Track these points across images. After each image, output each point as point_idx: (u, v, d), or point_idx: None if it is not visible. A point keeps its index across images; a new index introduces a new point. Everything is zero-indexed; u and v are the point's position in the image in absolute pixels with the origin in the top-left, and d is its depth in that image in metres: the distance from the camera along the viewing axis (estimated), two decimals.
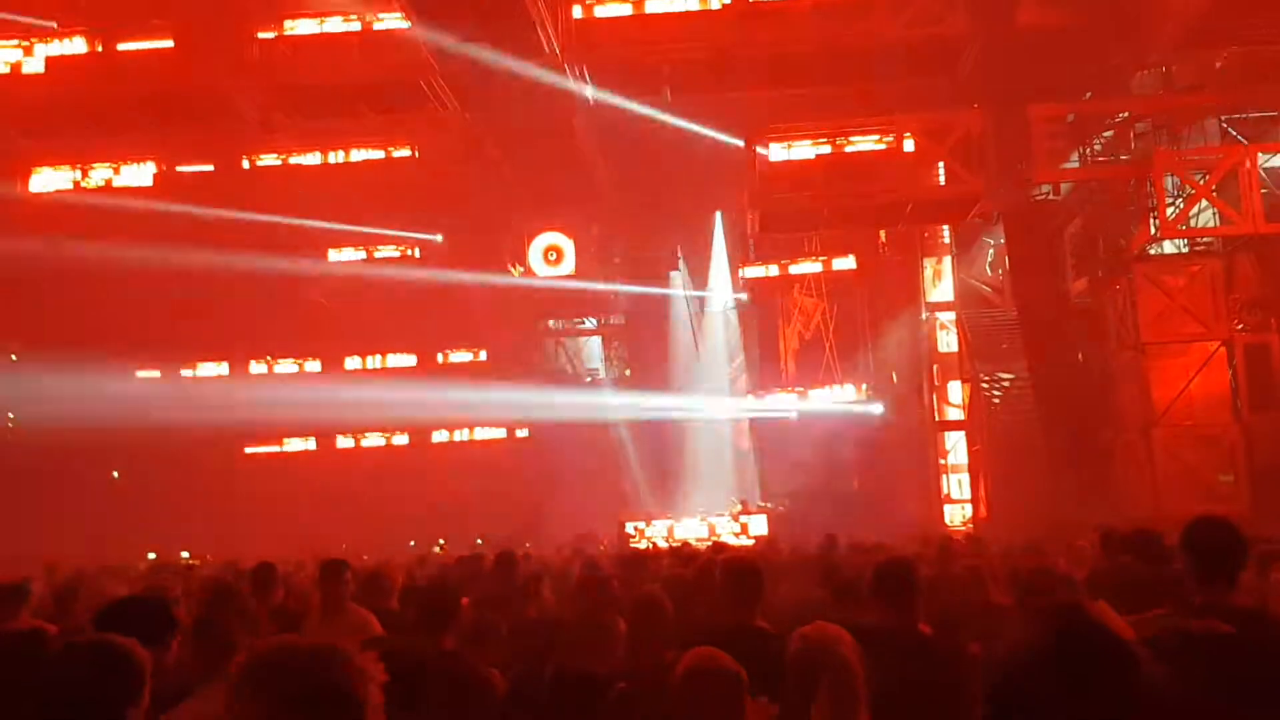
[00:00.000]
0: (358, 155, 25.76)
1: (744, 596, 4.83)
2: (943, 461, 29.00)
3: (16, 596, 6.67)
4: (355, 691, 2.11)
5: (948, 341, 29.39)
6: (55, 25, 23.25)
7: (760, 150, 23.03)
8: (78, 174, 26.70)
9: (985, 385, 26.83)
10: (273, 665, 2.16)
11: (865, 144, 23.25)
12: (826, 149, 23.02)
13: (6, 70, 23.77)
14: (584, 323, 32.62)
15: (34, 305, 27.15)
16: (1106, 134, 24.13)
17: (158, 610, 3.76)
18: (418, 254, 29.22)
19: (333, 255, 29.74)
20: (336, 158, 25.80)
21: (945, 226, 28.18)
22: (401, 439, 31.50)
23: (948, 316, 29.39)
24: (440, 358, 31.51)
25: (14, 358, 30.59)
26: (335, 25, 22.70)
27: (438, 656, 4.76)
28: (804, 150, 23.10)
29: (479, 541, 19.53)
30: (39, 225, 25.67)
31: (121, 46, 23.38)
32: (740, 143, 23.51)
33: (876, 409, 28.77)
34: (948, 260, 29.32)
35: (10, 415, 29.92)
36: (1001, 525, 21.30)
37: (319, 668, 2.16)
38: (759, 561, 5.42)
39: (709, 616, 5.11)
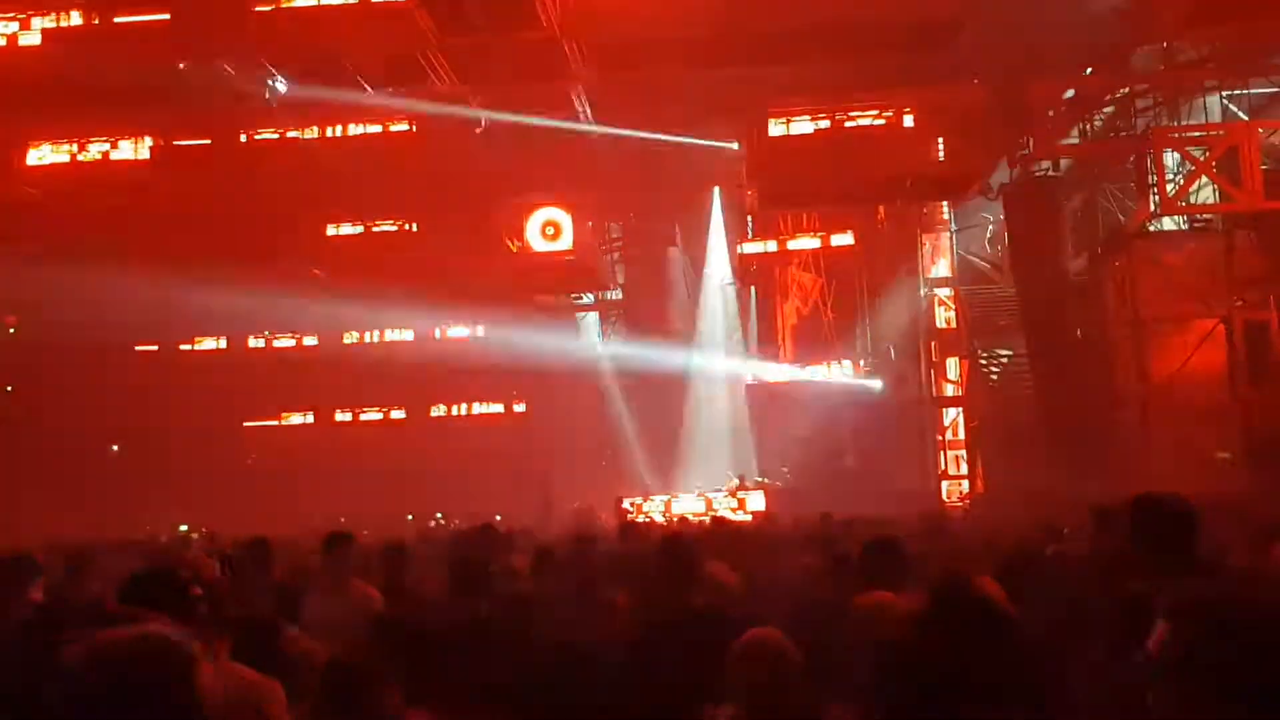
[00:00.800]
0: (355, 130, 25.65)
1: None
2: (940, 437, 29.06)
3: (28, 571, 6.64)
4: (177, 683, 2.07)
5: (946, 318, 29.39)
6: None
7: (759, 126, 22.98)
8: (74, 148, 26.59)
9: (983, 361, 26.88)
10: (94, 657, 2.10)
11: (865, 120, 23.19)
12: (826, 125, 22.96)
13: (2, 43, 23.63)
14: (581, 298, 32.57)
15: (31, 279, 27.08)
16: (1107, 110, 24.08)
17: (179, 583, 3.72)
18: (415, 228, 29.16)
19: (330, 229, 29.66)
20: (334, 132, 25.68)
21: (944, 202, 28.14)
22: (399, 413, 31.54)
23: (946, 293, 29.39)
24: (438, 333, 31.53)
25: (12, 330, 30.62)
26: None
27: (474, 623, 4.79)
28: (803, 126, 23.05)
29: (498, 518, 19.59)
30: (36, 199, 25.61)
31: (118, 19, 23.22)
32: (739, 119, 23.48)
33: (875, 384, 28.78)
34: (946, 236, 29.29)
35: (9, 387, 29.95)
36: (998, 501, 21.38)
37: (140, 659, 2.11)
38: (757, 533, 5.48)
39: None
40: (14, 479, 24.71)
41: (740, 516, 22.93)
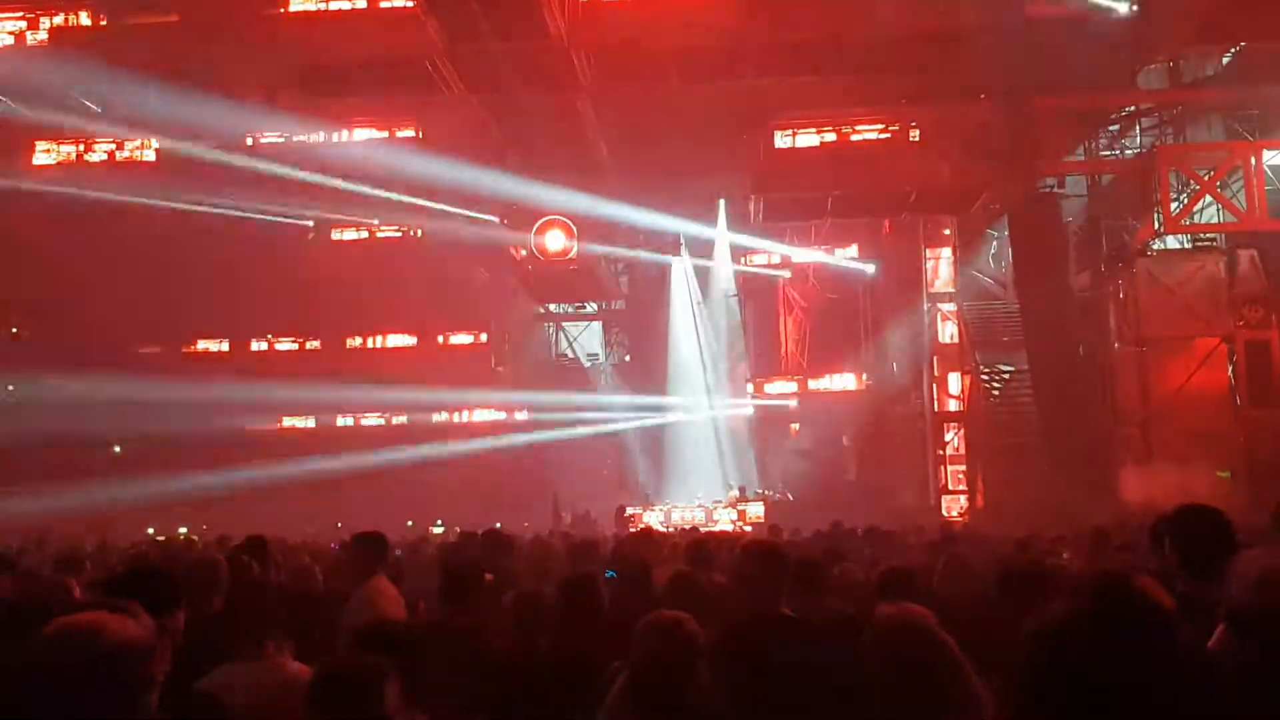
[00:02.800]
0: (361, 134, 25.70)
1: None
2: (941, 452, 29.01)
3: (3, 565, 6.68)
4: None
5: (948, 333, 29.35)
6: None
7: (765, 139, 23.02)
8: (80, 148, 26.65)
9: (985, 377, 26.82)
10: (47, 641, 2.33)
11: (871, 134, 23.24)
12: (832, 138, 23.01)
13: (10, 41, 23.70)
14: (585, 307, 32.60)
15: (37, 280, 27.13)
16: (1112, 128, 24.10)
17: (163, 579, 3.81)
18: (420, 235, 29.22)
19: (335, 234, 29.74)
20: (340, 136, 25.74)
21: (949, 218, 28.16)
22: (401, 419, 31.52)
23: (949, 308, 29.36)
24: (440, 339, 31.56)
25: (14, 330, 30.64)
26: (341, 3, 22.61)
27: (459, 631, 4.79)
28: (809, 139, 23.10)
29: (498, 525, 19.56)
30: (42, 200, 25.65)
31: (127, 19, 23.29)
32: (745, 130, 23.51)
33: (877, 403, 28.74)
34: (950, 252, 29.28)
35: (9, 387, 29.93)
36: (998, 517, 21.32)
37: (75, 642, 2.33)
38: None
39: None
40: (15, 479, 24.68)
41: (741, 527, 22.90)
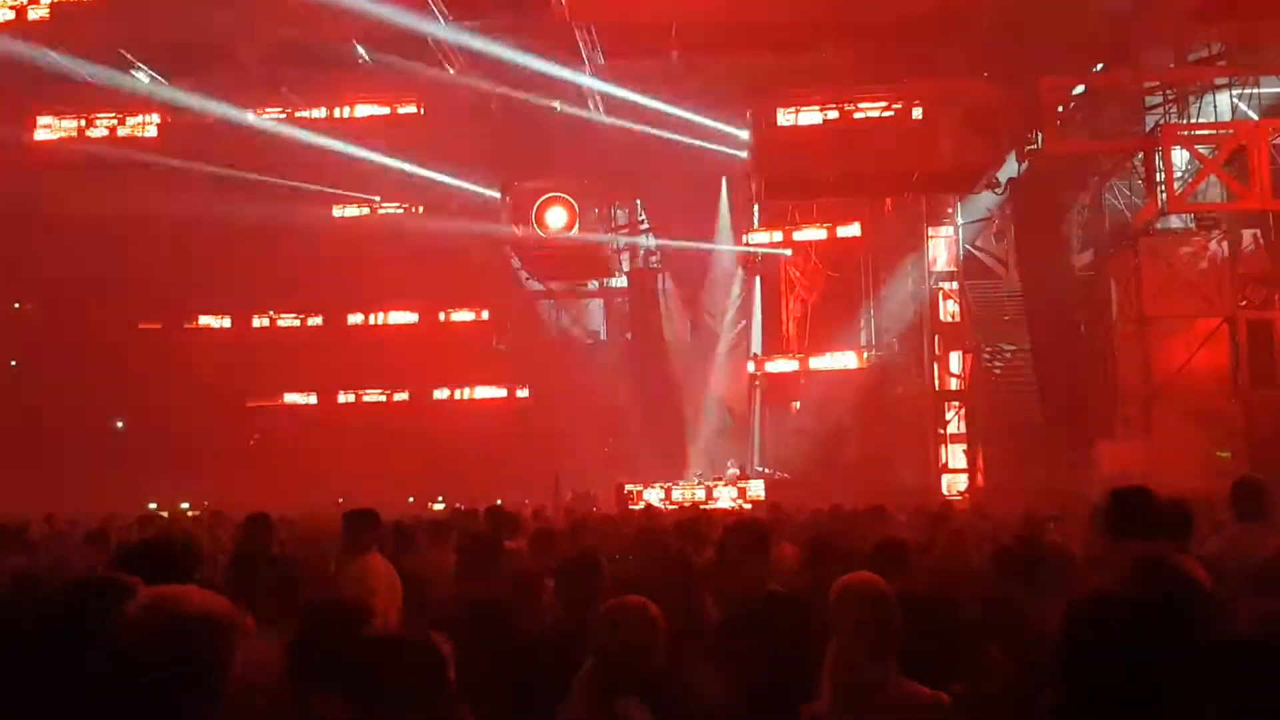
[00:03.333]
0: (363, 111, 25.62)
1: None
2: (942, 431, 29.03)
3: (13, 539, 6.74)
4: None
5: (950, 311, 29.33)
6: None
7: (768, 116, 22.94)
8: (82, 123, 26.59)
9: (986, 356, 26.83)
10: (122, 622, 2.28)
11: (873, 111, 23.14)
12: (834, 115, 22.91)
13: (11, 17, 23.59)
14: (586, 285, 32.57)
15: (39, 255, 27.13)
16: (1116, 106, 23.99)
17: (181, 548, 3.80)
18: (421, 211, 29.18)
19: (336, 211, 29.69)
20: (341, 113, 25.66)
21: (951, 196, 28.09)
22: (402, 395, 31.56)
23: (951, 286, 29.33)
24: (442, 316, 31.56)
25: (16, 305, 30.67)
26: None
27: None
28: (811, 116, 23.00)
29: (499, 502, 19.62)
30: (43, 174, 25.62)
31: None
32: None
33: (877, 382, 28.72)
34: (952, 230, 29.22)
35: (13, 362, 30.00)
36: (998, 496, 21.35)
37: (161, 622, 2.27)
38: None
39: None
40: (17, 454, 24.76)
41: (742, 505, 22.95)
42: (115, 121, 26.59)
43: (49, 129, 26.62)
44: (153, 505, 23.90)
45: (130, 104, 25.84)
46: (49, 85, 24.69)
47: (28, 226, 25.96)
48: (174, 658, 2.24)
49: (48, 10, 23.34)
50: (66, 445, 26.68)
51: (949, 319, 29.21)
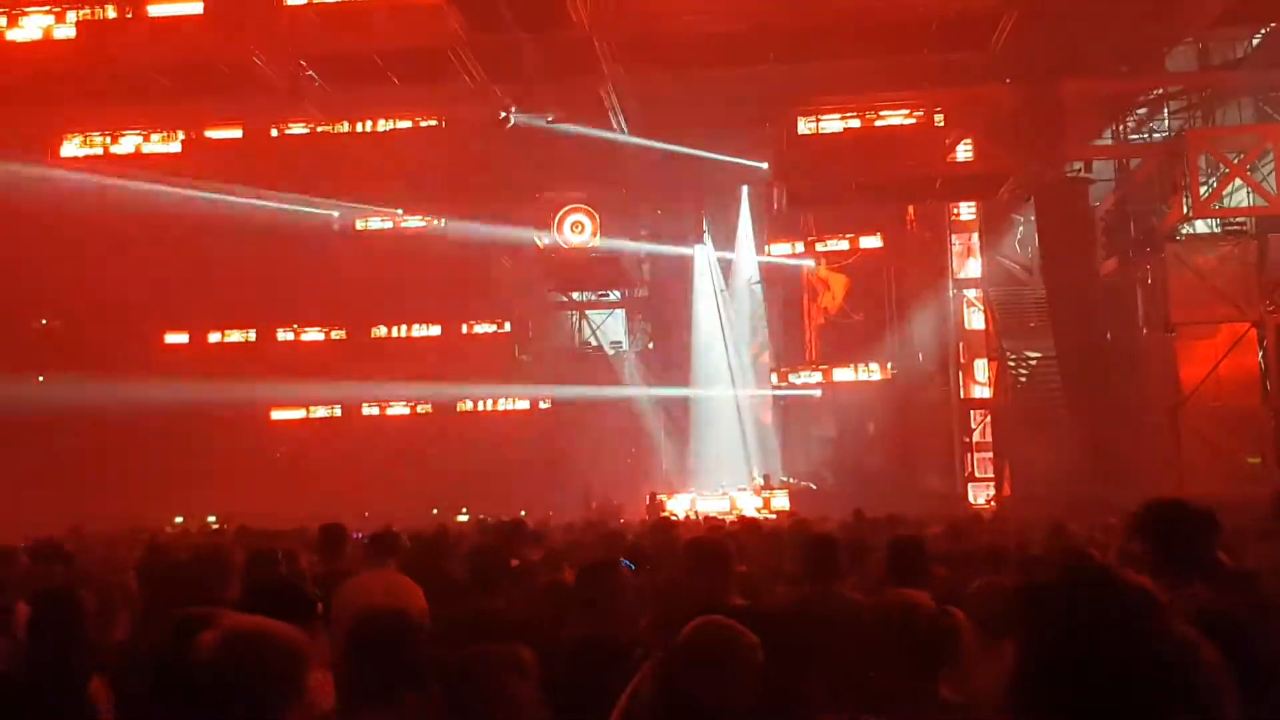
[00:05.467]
0: (385, 125, 25.74)
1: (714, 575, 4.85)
2: (967, 439, 28.88)
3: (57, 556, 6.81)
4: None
5: (975, 319, 29.19)
6: None
7: (788, 124, 22.91)
8: (107, 140, 26.83)
9: (1012, 363, 26.67)
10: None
11: (895, 119, 23.09)
12: (856, 123, 22.86)
13: (39, 36, 23.84)
14: (608, 295, 32.57)
15: (63, 271, 27.34)
16: (1140, 111, 23.86)
17: (298, 593, 3.93)
18: (443, 224, 29.27)
19: (359, 224, 29.83)
20: (364, 127, 25.79)
21: (974, 203, 27.98)
22: (426, 407, 31.61)
23: (975, 294, 29.19)
24: (464, 328, 31.61)
25: (44, 321, 30.92)
26: None
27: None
28: (833, 125, 22.97)
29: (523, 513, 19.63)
30: (69, 190, 25.84)
31: (152, 11, 23.38)
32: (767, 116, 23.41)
33: (902, 391, 28.58)
34: (976, 237, 29.08)
35: (39, 377, 30.21)
36: (1024, 504, 21.21)
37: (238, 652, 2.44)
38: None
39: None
40: (44, 468, 24.94)
41: (766, 516, 22.87)
42: (140, 138, 26.81)
43: (75, 145, 26.87)
44: (179, 519, 24.07)
45: (154, 120, 26.04)
46: (75, 103, 24.93)
47: (53, 243, 26.17)
48: (254, 686, 2.39)
49: (74, 29, 23.58)
50: (92, 459, 26.85)
51: (974, 327, 29.06)
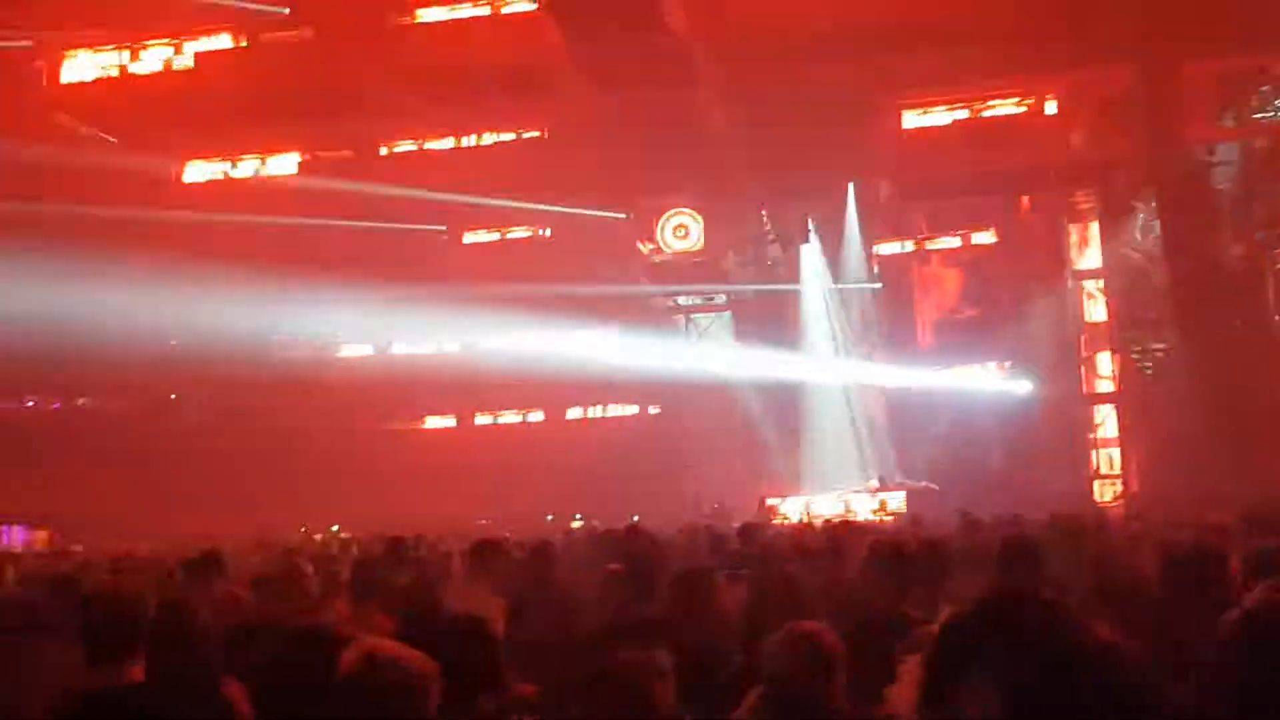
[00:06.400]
0: (489, 138, 26.13)
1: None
2: (1092, 435, 28.02)
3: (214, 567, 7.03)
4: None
5: (1096, 311, 28.31)
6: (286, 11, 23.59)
7: (894, 118, 22.58)
8: (228, 165, 27.82)
9: (1136, 356, 25.84)
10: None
11: (1004, 108, 22.60)
12: (964, 115, 22.44)
13: (159, 68, 24.86)
14: (714, 298, 32.44)
15: (191, 292, 28.31)
16: (1263, 89, 22.88)
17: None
18: (549, 234, 29.53)
19: (467, 238, 30.27)
20: (469, 141, 26.22)
21: (1092, 191, 27.16)
22: (537, 415, 31.91)
23: (1095, 285, 28.31)
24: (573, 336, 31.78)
25: (174, 343, 32.07)
26: (465, 10, 23.02)
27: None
28: (939, 117, 22.59)
29: (635, 518, 19.65)
30: (192, 213, 26.80)
31: (264, 39, 24.18)
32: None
33: (1022, 387, 27.84)
34: (1095, 226, 28.20)
35: (172, 395, 31.39)
36: (1155, 502, 20.47)
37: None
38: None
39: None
40: (175, 483, 25.84)
41: (882, 518, 22.50)
42: (258, 161, 27.74)
43: (197, 170, 27.93)
44: (304, 528, 24.71)
45: (271, 143, 26.88)
46: (195, 129, 25.89)
47: (178, 265, 27.13)
48: (390, 709, 2.61)
49: (192, 59, 24.53)
50: (220, 472, 27.72)
51: (1095, 319, 28.19)
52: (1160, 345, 25.12)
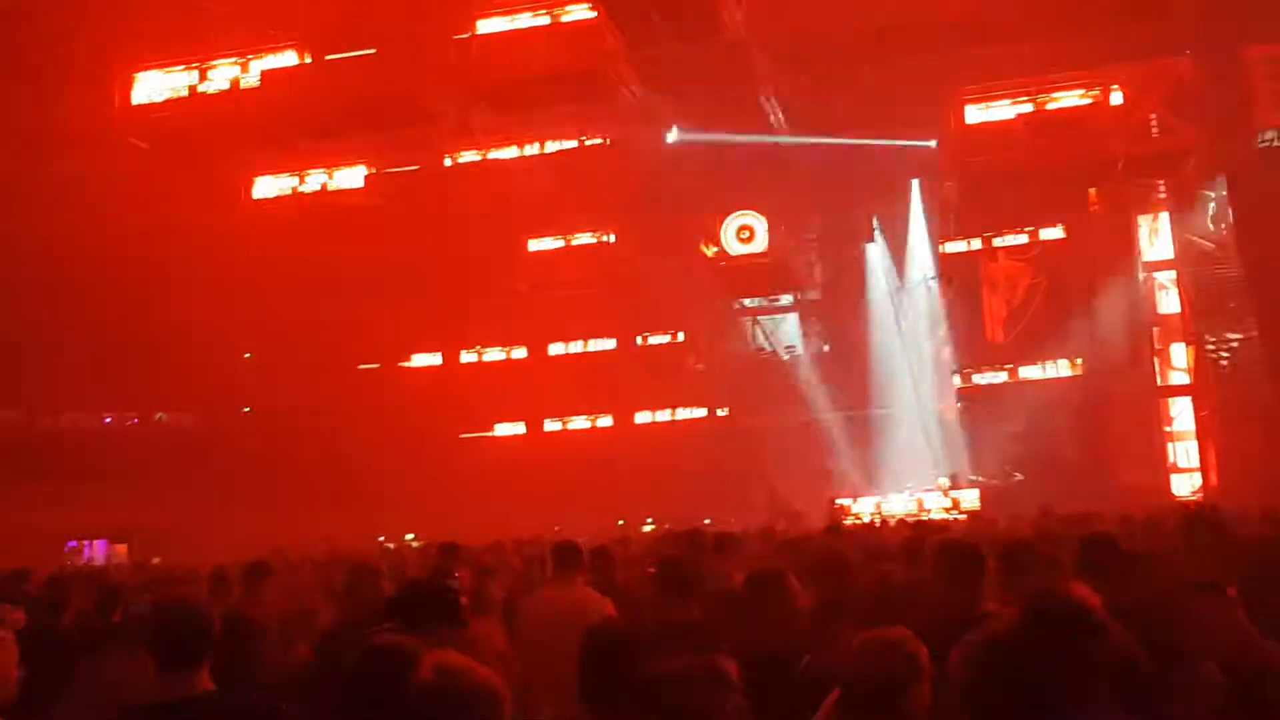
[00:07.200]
0: (552, 146, 26.34)
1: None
2: (1168, 429, 27.51)
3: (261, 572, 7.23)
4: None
5: (1168, 303, 27.80)
6: None
7: (956, 113, 22.38)
8: (295, 180, 28.37)
9: (1211, 347, 25.32)
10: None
11: (1069, 100, 22.30)
12: (1028, 108, 22.17)
13: (226, 86, 25.40)
14: (780, 299, 32.37)
15: (262, 306, 28.87)
16: None
17: (447, 595, 4.21)
18: (613, 239, 29.68)
19: (532, 245, 30.52)
20: (532, 150, 26.45)
21: (1161, 181, 26.67)
22: (606, 420, 32.05)
23: (1167, 276, 27.80)
24: (639, 340, 31.92)
25: (248, 355, 32.72)
26: (524, 21, 23.23)
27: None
28: (1003, 111, 22.35)
29: (706, 521, 19.71)
30: (262, 231, 27.36)
31: (329, 57, 24.61)
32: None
33: (1095, 382, 27.41)
34: (1165, 217, 27.70)
35: (246, 408, 32.00)
36: (1234, 494, 20.04)
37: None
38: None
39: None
40: (251, 492, 26.34)
41: (956, 516, 22.30)
42: (325, 176, 28.24)
43: (267, 186, 28.53)
44: (381, 538, 25.06)
45: (337, 157, 27.36)
46: (263, 146, 26.43)
47: (254, 280, 27.68)
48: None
49: (258, 78, 25.03)
50: (294, 483, 28.19)
51: (1168, 310, 27.69)
52: (1235, 335, 24.59)
